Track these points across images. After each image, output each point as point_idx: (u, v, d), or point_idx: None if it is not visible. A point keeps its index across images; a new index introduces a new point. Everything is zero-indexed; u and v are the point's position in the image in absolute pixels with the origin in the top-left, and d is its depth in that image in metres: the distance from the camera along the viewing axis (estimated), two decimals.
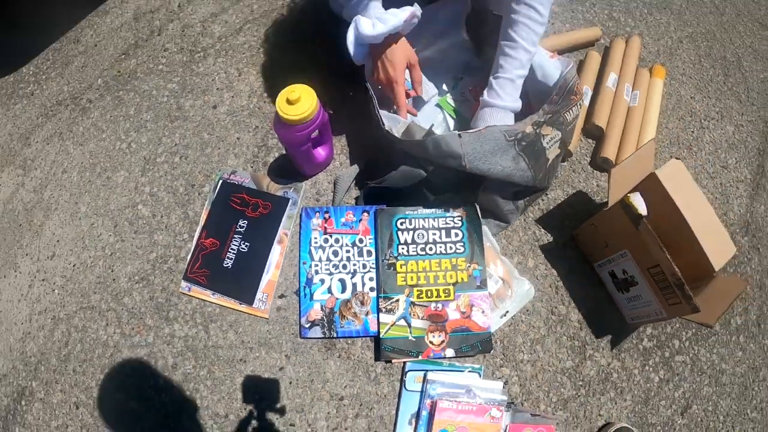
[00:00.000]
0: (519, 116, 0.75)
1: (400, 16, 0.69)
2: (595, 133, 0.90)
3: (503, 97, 0.73)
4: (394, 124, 0.74)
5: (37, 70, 1.08)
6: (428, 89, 0.86)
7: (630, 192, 0.75)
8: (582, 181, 0.87)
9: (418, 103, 0.85)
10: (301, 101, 0.63)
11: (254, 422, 0.72)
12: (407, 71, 0.76)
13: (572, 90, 0.72)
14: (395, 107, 0.76)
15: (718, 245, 0.76)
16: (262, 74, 0.91)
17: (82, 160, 0.94)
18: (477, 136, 0.68)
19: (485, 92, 0.75)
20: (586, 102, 0.90)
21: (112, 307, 0.82)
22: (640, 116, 0.92)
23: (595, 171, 0.89)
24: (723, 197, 0.99)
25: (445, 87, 0.87)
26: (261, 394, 0.73)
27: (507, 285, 0.74)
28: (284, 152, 0.81)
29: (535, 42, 0.73)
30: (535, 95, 0.76)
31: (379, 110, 0.73)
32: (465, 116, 0.85)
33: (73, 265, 0.87)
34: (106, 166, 0.91)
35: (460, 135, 0.67)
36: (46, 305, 0.85)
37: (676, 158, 0.91)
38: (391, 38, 0.72)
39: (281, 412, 0.72)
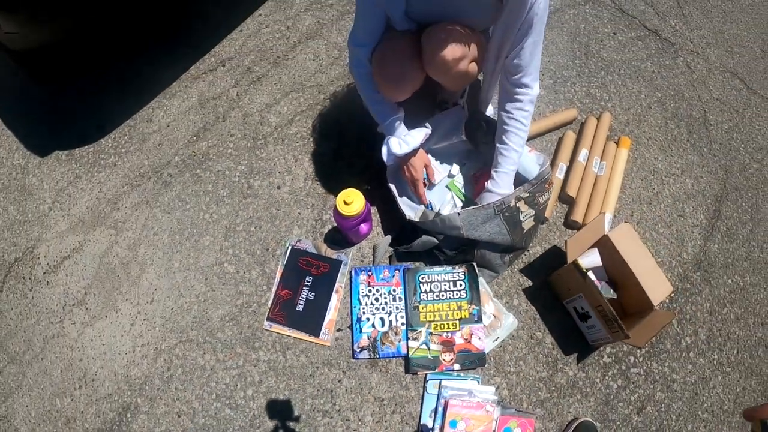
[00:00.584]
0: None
1: (417, 138, 1.29)
2: (567, 200, 1.49)
3: (501, 186, 1.31)
4: (412, 210, 1.32)
5: (116, 143, 1.66)
6: (441, 171, 1.44)
7: (589, 248, 1.31)
8: (556, 239, 1.45)
9: (431, 186, 1.44)
10: (354, 203, 1.21)
11: (320, 418, 1.30)
12: (424, 170, 1.34)
13: (546, 180, 1.29)
14: (417, 197, 1.37)
15: (657, 286, 1.32)
16: (313, 161, 1.51)
17: (171, 225, 1.51)
18: (472, 212, 1.27)
19: (489, 182, 1.33)
20: (561, 175, 1.47)
21: (207, 340, 1.39)
22: (605, 184, 1.49)
23: (567, 230, 1.47)
24: (678, 241, 1.55)
25: (452, 171, 1.46)
26: (325, 398, 1.30)
27: (497, 319, 1.31)
28: (336, 225, 1.39)
29: (522, 144, 1.30)
30: (517, 182, 1.32)
31: (401, 205, 1.31)
32: (468, 195, 1.45)
33: (171, 309, 1.44)
34: (193, 232, 1.48)
35: (459, 213, 1.26)
36: (149, 339, 1.42)
37: (629, 216, 1.48)
38: (412, 152, 1.31)
39: (339, 411, 1.29)
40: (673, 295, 1.48)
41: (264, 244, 1.44)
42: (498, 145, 1.31)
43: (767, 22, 1.99)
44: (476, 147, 1.45)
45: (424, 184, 1.40)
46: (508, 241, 1.29)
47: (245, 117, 1.60)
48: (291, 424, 1.30)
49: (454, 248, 1.35)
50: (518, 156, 1.29)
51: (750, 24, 1.98)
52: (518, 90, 1.23)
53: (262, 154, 1.54)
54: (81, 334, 1.42)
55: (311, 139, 1.57)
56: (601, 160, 1.53)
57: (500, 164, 1.30)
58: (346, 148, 1.59)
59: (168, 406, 1.35)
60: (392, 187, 1.37)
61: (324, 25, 1.83)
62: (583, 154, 1.52)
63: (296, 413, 1.30)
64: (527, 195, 1.29)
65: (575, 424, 1.28)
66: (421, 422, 1.26)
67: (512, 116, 1.25)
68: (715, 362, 1.45)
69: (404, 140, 1.29)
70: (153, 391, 1.37)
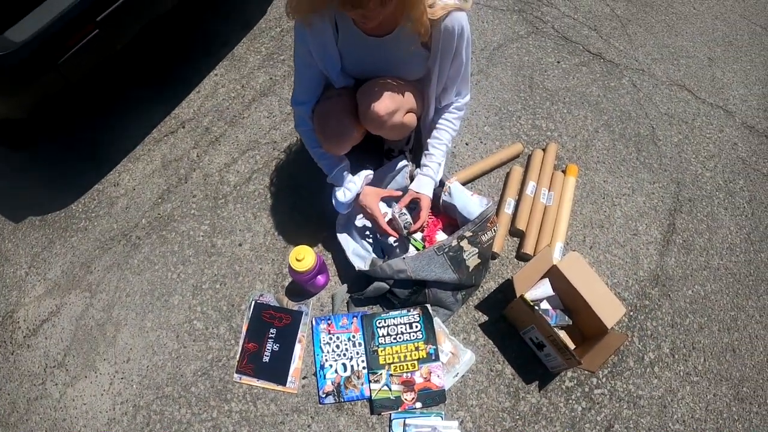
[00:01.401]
0: (450, 233, 1.41)
1: (358, 182, 1.39)
2: (517, 233, 1.56)
3: (426, 173, 1.39)
4: (362, 261, 1.41)
5: (86, 207, 1.76)
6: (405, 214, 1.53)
7: (540, 279, 1.38)
8: (509, 272, 1.53)
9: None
10: (305, 259, 1.30)
11: None
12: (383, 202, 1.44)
13: (488, 218, 1.37)
14: (381, 233, 1.45)
15: (609, 309, 1.39)
16: (272, 217, 1.60)
17: (142, 286, 1.60)
18: (416, 256, 1.36)
19: (418, 169, 1.42)
20: (510, 211, 1.55)
21: (182, 395, 1.47)
22: (554, 213, 1.56)
23: (520, 262, 1.54)
24: (633, 260, 1.61)
25: (410, 228, 1.52)
26: None
27: (455, 355, 1.38)
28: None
29: (449, 139, 1.39)
30: (461, 222, 1.40)
31: (350, 256, 1.40)
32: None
33: (147, 366, 1.52)
34: (163, 292, 1.57)
35: (404, 258, 1.35)
36: (127, 397, 1.50)
37: (581, 241, 1.55)
38: (358, 195, 1.39)
39: None
40: (631, 313, 1.55)
41: (229, 300, 1.52)
42: (428, 141, 1.41)
43: (711, 29, 2.08)
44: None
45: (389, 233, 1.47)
46: (455, 279, 1.37)
47: (206, 177, 1.69)
48: None
49: (406, 288, 1.42)
50: (445, 149, 1.40)
51: (695, 33, 2.06)
52: (451, 104, 1.37)
53: (223, 213, 1.63)
54: (63, 395, 1.50)
55: (268, 195, 1.66)
56: (549, 191, 1.60)
57: (428, 152, 1.40)
58: (301, 201, 1.67)
59: None
60: (341, 239, 1.46)
61: (276, 82, 1.93)
62: (530, 186, 1.59)
63: None
64: (470, 234, 1.37)
65: None
66: None
67: (442, 117, 1.38)
68: (681, 373, 1.50)
69: (347, 188, 1.38)
70: None
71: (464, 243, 1.36)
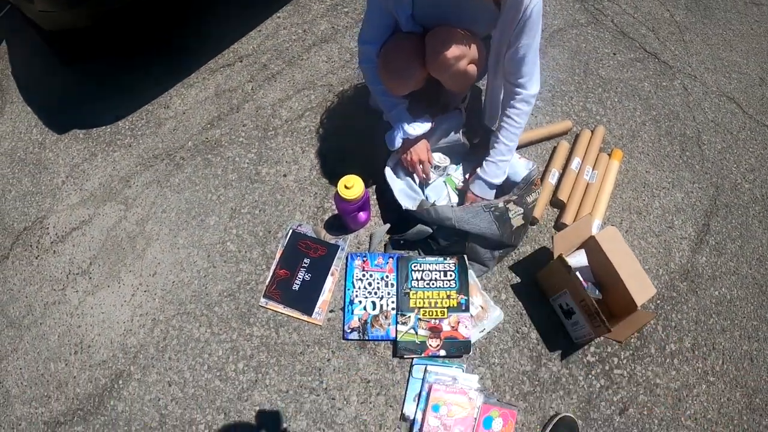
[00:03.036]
0: (497, 196, 1.40)
1: (425, 125, 1.39)
2: (558, 205, 1.54)
3: (488, 174, 1.38)
4: (410, 201, 1.39)
5: (133, 126, 1.77)
6: (444, 159, 1.53)
7: (576, 249, 1.38)
8: (546, 240, 1.51)
9: (428, 183, 1.53)
10: (354, 187, 1.28)
11: (306, 395, 1.34)
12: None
13: (533, 182, 1.36)
14: (423, 176, 1.46)
15: (640, 288, 1.37)
16: (319, 154, 1.59)
17: (179, 204, 1.59)
18: (464, 208, 1.34)
19: (478, 169, 1.40)
20: (554, 181, 1.54)
21: (204, 314, 1.46)
22: (596, 191, 1.55)
23: (557, 232, 1.52)
24: (666, 251, 1.60)
25: (449, 168, 1.53)
26: (313, 376, 1.35)
27: (484, 310, 1.36)
28: (336, 213, 1.47)
29: (513, 139, 1.37)
30: (507, 186, 1.41)
31: (397, 194, 1.40)
32: (462, 191, 1.51)
33: (173, 282, 1.51)
34: (200, 212, 1.56)
35: (452, 206, 1.33)
36: (147, 310, 1.49)
37: (618, 224, 1.55)
38: (416, 139, 1.40)
39: (326, 389, 1.34)
40: (658, 302, 1.53)
41: (266, 227, 1.51)
42: (492, 138, 1.39)
43: (766, 52, 2.08)
44: (471, 147, 1.54)
45: (423, 180, 1.49)
46: (497, 235, 1.35)
47: (258, 109, 1.69)
48: (278, 399, 1.34)
49: (447, 239, 1.40)
50: (508, 150, 1.37)
51: (750, 52, 2.06)
52: (515, 89, 1.32)
53: (271, 144, 1.62)
54: (82, 302, 1.49)
55: (319, 134, 1.65)
56: (593, 170, 1.59)
57: (489, 154, 1.39)
58: (350, 142, 1.66)
59: (160, 375, 1.40)
60: (390, 177, 1.44)
61: (338, 31, 1.94)
62: (575, 162, 1.58)
63: (284, 389, 1.35)
64: (516, 197, 1.35)
65: (556, 419, 1.32)
66: (405, 407, 1.30)
67: (507, 113, 1.35)
68: (699, 370, 1.48)
69: (407, 130, 1.38)
70: (147, 359, 1.42)
71: (510, 205, 1.35)
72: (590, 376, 1.40)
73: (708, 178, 1.74)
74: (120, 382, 1.39)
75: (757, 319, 1.57)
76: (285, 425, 1.31)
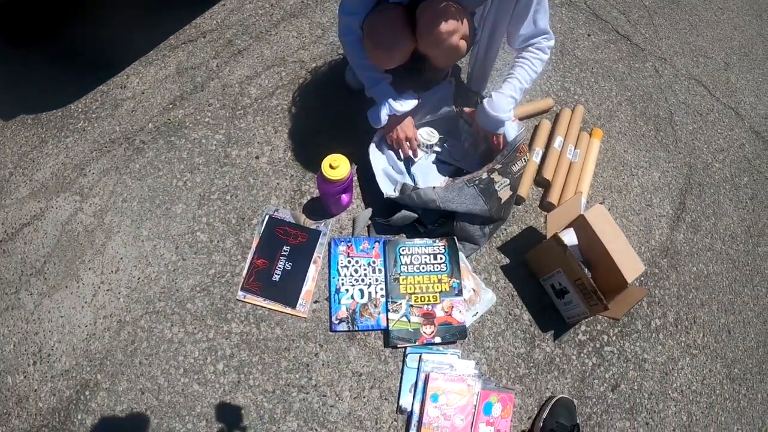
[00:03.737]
0: (477, 167, 1.34)
1: (413, 102, 1.31)
2: (543, 184, 1.50)
3: (495, 106, 1.29)
4: (391, 186, 1.32)
5: (87, 108, 1.58)
6: (432, 135, 1.45)
7: (564, 228, 1.35)
8: (532, 220, 1.46)
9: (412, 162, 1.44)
10: (340, 167, 1.18)
11: (295, 393, 1.24)
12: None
13: (517, 148, 1.31)
14: (409, 154, 1.37)
15: (630, 265, 1.35)
16: (294, 134, 1.46)
17: (141, 192, 1.43)
18: (446, 187, 1.26)
19: (485, 100, 1.31)
20: (537, 159, 1.50)
21: (176, 312, 1.31)
22: (579, 169, 1.52)
23: (542, 212, 1.49)
24: (646, 229, 1.61)
25: (435, 146, 1.46)
26: (300, 373, 1.25)
27: (476, 293, 1.30)
28: (315, 196, 1.36)
29: (527, 79, 1.30)
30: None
31: (379, 180, 1.31)
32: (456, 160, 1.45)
33: (138, 279, 1.36)
34: (165, 199, 1.41)
35: (434, 188, 1.26)
36: (112, 311, 1.33)
37: (603, 202, 1.53)
38: (404, 115, 1.32)
39: (316, 386, 1.24)
40: (642, 278, 1.53)
41: (240, 213, 1.37)
42: (502, 78, 1.34)
43: (729, 38, 2.13)
44: (465, 122, 1.46)
45: (410, 158, 1.40)
46: (485, 211, 1.28)
47: (225, 87, 1.54)
48: (264, 401, 1.23)
49: (434, 221, 1.33)
50: (520, 89, 1.30)
51: (714, 38, 2.10)
52: (530, 49, 1.29)
53: (241, 124, 1.48)
54: (38, 306, 1.30)
55: (292, 113, 1.52)
56: (575, 148, 1.57)
57: (501, 87, 1.31)
58: (327, 121, 1.55)
59: (131, 383, 1.25)
60: (373, 155, 1.35)
61: (308, 5, 1.81)
62: (558, 141, 1.55)
63: (270, 388, 1.23)
64: (500, 166, 1.29)
65: (554, 401, 1.28)
66: (401, 399, 1.21)
67: (522, 56, 1.30)
68: (683, 344, 1.49)
69: (393, 106, 1.29)
70: (115, 366, 1.27)
71: (495, 175, 1.28)
72: (582, 354, 1.37)
73: (682, 158, 1.76)
74: (86, 393, 1.22)
75: (732, 293, 1.60)
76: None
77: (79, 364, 1.26)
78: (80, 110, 1.56)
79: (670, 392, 1.40)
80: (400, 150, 1.39)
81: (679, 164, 1.74)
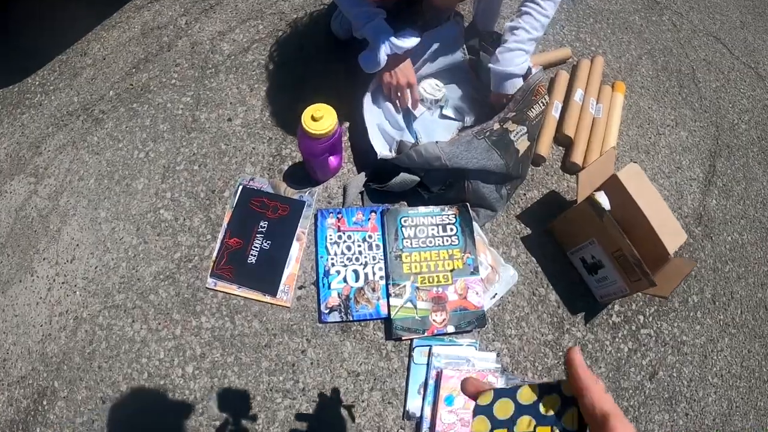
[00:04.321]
0: (484, 118, 0.98)
1: (415, 40, 0.95)
2: (564, 142, 1.14)
3: (502, 63, 0.93)
4: (387, 145, 0.96)
5: (44, 80, 1.22)
6: (438, 88, 1.08)
7: (595, 191, 0.99)
8: (554, 183, 1.10)
9: (413, 117, 1.08)
10: (324, 119, 0.83)
11: (279, 399, 0.90)
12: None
13: (533, 90, 0.94)
14: (409, 104, 1.01)
15: (671, 233, 1.00)
16: (272, 90, 1.10)
17: (99, 168, 1.09)
18: (452, 141, 0.91)
19: (489, 63, 0.96)
20: (557, 114, 1.14)
21: (137, 305, 0.97)
22: (603, 126, 1.16)
23: (565, 174, 1.13)
24: (678, 193, 1.25)
25: (438, 97, 1.09)
26: (285, 374, 0.91)
27: (495, 271, 0.95)
28: (297, 161, 1.00)
29: (537, 27, 0.93)
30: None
31: (372, 139, 0.95)
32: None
33: (95, 268, 1.01)
34: (125, 174, 1.06)
35: (437, 142, 0.90)
36: (68, 306, 0.99)
37: (634, 162, 1.18)
38: (403, 56, 0.96)
39: (304, 390, 0.90)
40: (677, 249, 1.19)
41: (209, 185, 1.01)
42: (506, 27, 0.95)
43: None
44: (477, 70, 1.08)
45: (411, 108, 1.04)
46: (501, 166, 0.91)
47: (194, 45, 1.18)
48: (243, 408, 0.89)
49: (440, 184, 0.97)
50: (529, 39, 0.93)
51: None
52: None
53: (211, 84, 1.12)
54: None
55: (270, 68, 1.15)
56: (597, 102, 1.21)
57: (507, 41, 0.94)
58: (310, 77, 1.18)
59: (90, 390, 0.91)
60: (368, 106, 1.00)
61: None
62: (578, 94, 1.17)
63: (250, 394, 0.90)
64: (513, 113, 0.93)
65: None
66: (408, 402, 0.87)
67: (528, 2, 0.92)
68: (721, 323, 1.14)
69: (392, 43, 0.93)
70: (72, 371, 0.93)
71: (509, 124, 0.92)
72: (617, 339, 1.03)
73: (708, 117, 1.40)
74: (44, 402, 0.89)
75: (767, 264, 1.26)
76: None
77: (36, 369, 0.93)
78: (37, 83, 1.21)
79: (710, 377, 1.06)
80: (398, 101, 1.03)
81: (706, 124, 1.38)
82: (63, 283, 1.00)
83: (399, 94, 1.00)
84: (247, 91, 1.10)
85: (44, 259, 1.02)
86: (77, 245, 1.03)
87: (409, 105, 1.02)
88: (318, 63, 1.18)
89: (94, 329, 0.96)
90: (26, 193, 1.09)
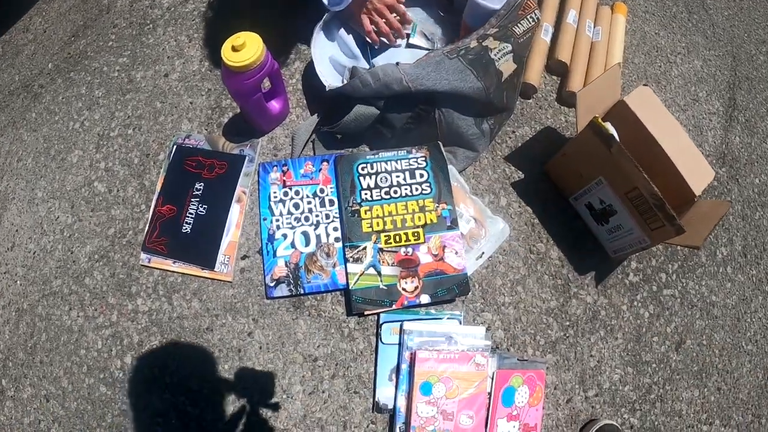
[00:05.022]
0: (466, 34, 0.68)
1: None
2: (558, 70, 0.83)
3: None
4: (340, 74, 0.67)
5: None
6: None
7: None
8: (549, 117, 0.80)
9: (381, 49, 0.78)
10: (246, 47, 0.56)
11: (227, 392, 0.65)
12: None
13: (520, 4, 0.64)
14: (392, 32, 0.72)
15: (695, 170, 0.69)
16: (212, 38, 0.83)
17: (36, 145, 0.85)
18: (417, 63, 0.62)
19: None
20: (547, 38, 0.83)
21: (74, 290, 0.74)
22: (604, 51, 0.85)
23: (562, 107, 0.82)
24: (696, 129, 0.93)
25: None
26: (231, 362, 0.65)
27: (480, 224, 0.67)
28: (239, 111, 0.74)
29: None
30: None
31: (318, 68, 0.68)
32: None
33: (33, 253, 0.79)
34: (61, 148, 0.83)
35: (398, 63, 0.62)
36: (10, 298, 0.77)
37: (644, 84, 0.85)
38: None
39: (254, 379, 0.65)
40: (700, 194, 0.87)
41: (143, 149, 0.76)
42: None
43: None
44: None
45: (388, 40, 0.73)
46: (480, 90, 0.61)
47: (132, 4, 0.91)
48: (187, 403, 0.65)
49: (402, 111, 0.66)
50: None
51: None
52: None
53: (148, 41, 0.85)
54: None
55: (211, 14, 0.87)
56: (594, 25, 0.91)
57: None
58: (258, 20, 0.84)
59: (35, 388, 0.69)
60: (317, 38, 0.70)
61: None
62: (571, 15, 0.86)
63: (194, 386, 0.65)
64: (495, 30, 0.63)
65: (596, 427, 0.65)
66: (378, 392, 0.61)
67: None
68: (754, 279, 0.82)
69: None
70: (17, 368, 0.71)
71: (489, 42, 0.62)
72: (635, 303, 0.73)
73: (722, 46, 1.05)
74: None
75: None
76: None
77: None
78: None
79: (743, 343, 0.77)
80: (373, 29, 0.72)
81: (721, 53, 1.03)
82: (5, 273, 0.78)
83: (382, 16, 0.69)
84: (186, 42, 0.83)
85: None
86: (17, 230, 0.80)
87: (391, 35, 0.71)
88: (266, 6, 0.89)
89: (34, 320, 0.73)
90: None
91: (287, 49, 0.81)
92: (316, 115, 0.71)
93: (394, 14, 0.73)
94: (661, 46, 0.98)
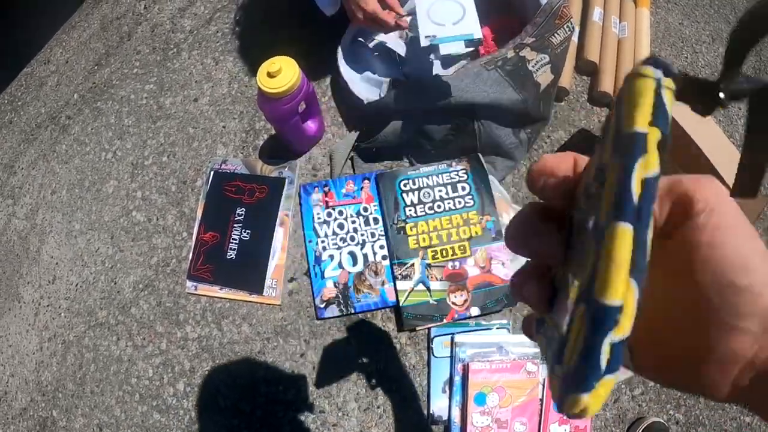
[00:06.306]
0: (502, 42, 0.69)
1: None
2: (588, 69, 0.84)
3: None
4: (375, 89, 0.69)
5: (12, 97, 1.03)
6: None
7: None
8: (583, 119, 0.81)
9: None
10: (282, 73, 0.58)
11: (281, 413, 0.67)
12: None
13: (556, 13, 0.66)
14: (391, 23, 0.68)
15: (729, 165, 0.71)
16: (239, 59, 0.85)
17: (69, 177, 0.88)
18: (455, 76, 0.64)
19: None
20: (575, 38, 0.84)
21: (120, 321, 0.77)
22: (631, 47, 0.86)
23: (594, 107, 0.83)
24: (727, 119, 0.93)
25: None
26: (285, 384, 0.68)
27: None
28: (273, 132, 0.76)
29: None
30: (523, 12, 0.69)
31: (351, 86, 0.69)
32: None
33: (76, 285, 0.82)
34: (95, 179, 0.85)
35: (436, 75, 0.63)
36: (55, 331, 0.80)
37: None
38: None
39: (308, 399, 0.67)
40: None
41: (180, 177, 0.78)
42: None
43: None
44: None
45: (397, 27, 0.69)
46: (518, 102, 0.64)
47: (154, 28, 0.94)
48: (243, 426, 0.68)
49: (445, 125, 0.68)
50: None
51: None
52: None
53: (174, 65, 0.88)
54: None
55: (235, 35, 0.89)
56: (620, 21, 0.91)
57: None
58: (283, 36, 0.87)
59: (87, 418, 0.72)
60: (342, 66, 0.72)
61: None
62: (596, 13, 0.87)
63: (246, 408, 0.68)
64: (532, 39, 0.65)
65: (644, 425, 0.67)
66: (432, 404, 0.63)
67: None
68: None
69: None
70: (67, 398, 0.74)
71: (526, 52, 0.64)
72: None
73: None
74: None
75: None
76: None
77: (35, 400, 0.75)
78: (6, 101, 1.01)
79: None
80: (377, 29, 0.70)
81: None
82: (48, 306, 0.81)
83: (375, 22, 0.67)
84: (212, 65, 0.85)
85: (28, 283, 0.83)
86: (56, 264, 0.83)
87: (391, 25, 0.66)
88: (288, 18, 0.90)
89: (81, 352, 0.76)
90: (5, 217, 0.90)
91: (316, 67, 0.83)
92: (354, 131, 0.73)
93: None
94: (686, 36, 0.99)
